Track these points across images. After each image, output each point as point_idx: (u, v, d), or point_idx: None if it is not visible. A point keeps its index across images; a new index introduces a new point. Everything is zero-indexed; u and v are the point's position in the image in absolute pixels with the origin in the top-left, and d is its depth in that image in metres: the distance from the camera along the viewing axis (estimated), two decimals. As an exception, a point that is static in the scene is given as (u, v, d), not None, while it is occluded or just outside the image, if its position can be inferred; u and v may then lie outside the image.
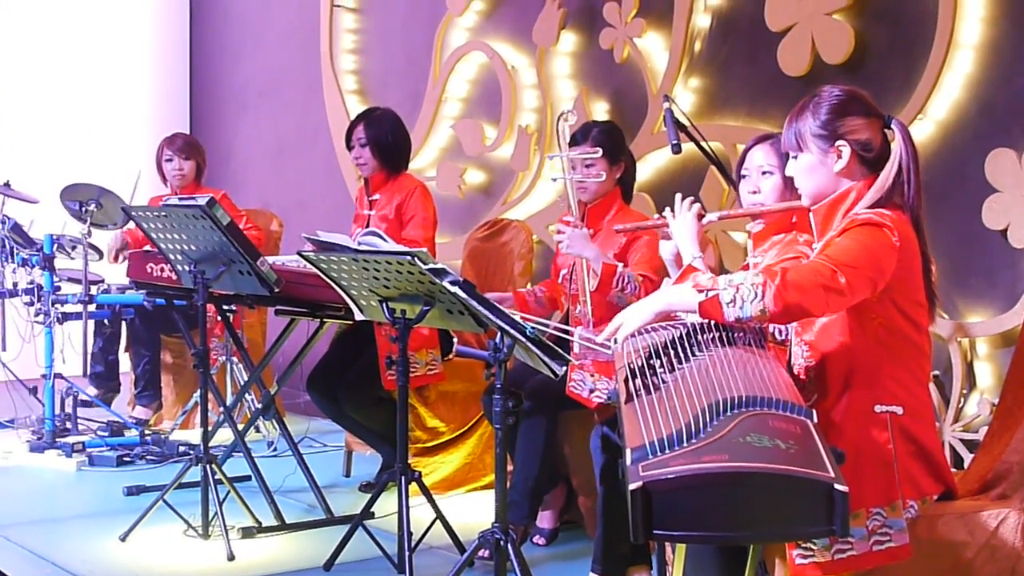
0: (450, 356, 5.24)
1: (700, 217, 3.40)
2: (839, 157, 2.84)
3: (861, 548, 2.65)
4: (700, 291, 2.68)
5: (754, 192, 3.45)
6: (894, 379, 2.76)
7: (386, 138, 5.27)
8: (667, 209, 3.38)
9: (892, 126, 2.87)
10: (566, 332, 3.91)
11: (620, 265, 4.24)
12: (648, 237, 4.35)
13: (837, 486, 2.03)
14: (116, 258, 6.36)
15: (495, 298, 4.45)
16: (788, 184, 3.33)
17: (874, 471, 2.69)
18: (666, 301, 2.80)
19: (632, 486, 2.02)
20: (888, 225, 2.71)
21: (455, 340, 5.25)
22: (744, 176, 3.48)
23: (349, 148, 5.36)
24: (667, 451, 2.13)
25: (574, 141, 4.43)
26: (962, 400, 4.33)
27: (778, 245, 3.41)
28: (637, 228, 4.02)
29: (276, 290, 4.35)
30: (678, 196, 3.39)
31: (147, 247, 5.19)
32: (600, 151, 4.36)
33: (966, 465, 3.67)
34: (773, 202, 3.41)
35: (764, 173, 3.42)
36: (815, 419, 2.30)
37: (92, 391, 6.51)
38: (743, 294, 2.62)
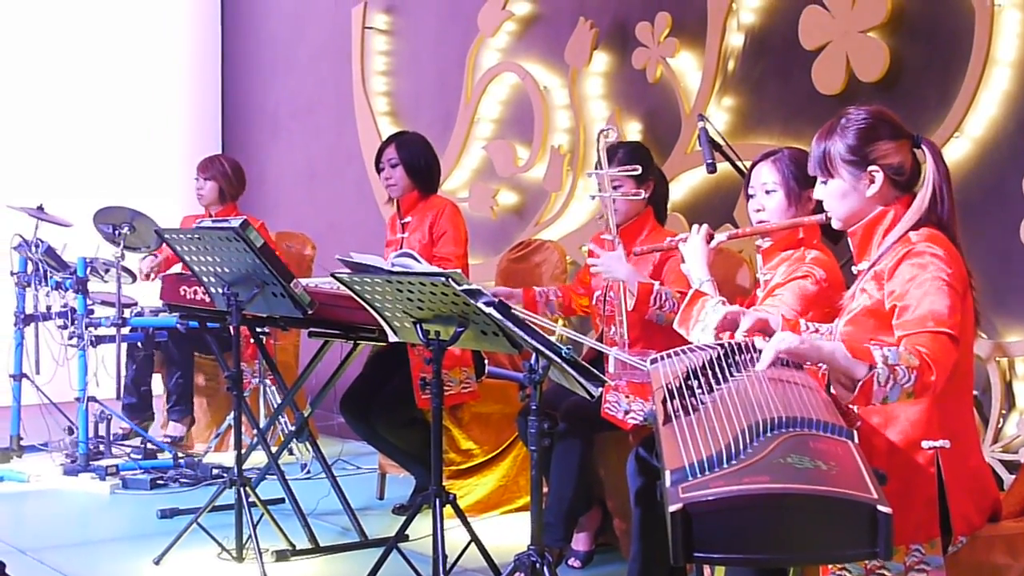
0: (481, 378, 5.23)
1: (709, 239, 3.47)
2: (872, 182, 2.81)
3: None
4: (864, 364, 2.42)
5: (759, 210, 3.52)
6: (943, 409, 2.69)
7: (418, 161, 5.29)
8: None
9: (922, 146, 2.84)
10: (602, 352, 3.90)
11: (656, 283, 4.22)
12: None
13: (880, 507, 1.99)
14: (148, 276, 6.41)
15: (503, 293, 4.43)
16: (791, 200, 3.50)
17: (918, 508, 2.65)
18: (830, 357, 2.45)
19: (672, 508, 2.00)
20: (942, 256, 2.66)
21: (487, 362, 5.23)
22: (751, 195, 3.55)
23: (379, 170, 5.36)
24: (707, 472, 2.10)
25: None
26: (1001, 421, 4.28)
27: (786, 261, 3.51)
28: (652, 250, 4.03)
29: (309, 312, 4.35)
30: (694, 227, 3.55)
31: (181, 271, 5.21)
32: (640, 168, 4.32)
33: (1006, 486, 3.62)
34: (777, 219, 3.52)
35: (768, 192, 3.53)
36: (856, 440, 2.27)
37: (125, 425, 6.54)
38: (898, 376, 2.42)
